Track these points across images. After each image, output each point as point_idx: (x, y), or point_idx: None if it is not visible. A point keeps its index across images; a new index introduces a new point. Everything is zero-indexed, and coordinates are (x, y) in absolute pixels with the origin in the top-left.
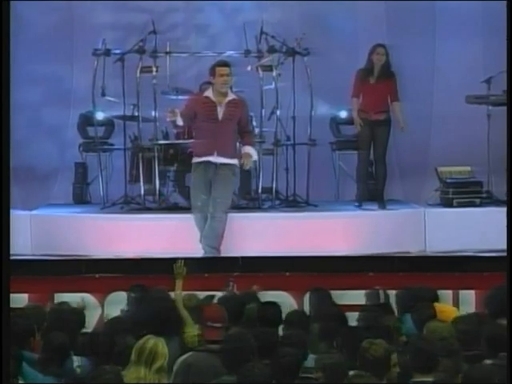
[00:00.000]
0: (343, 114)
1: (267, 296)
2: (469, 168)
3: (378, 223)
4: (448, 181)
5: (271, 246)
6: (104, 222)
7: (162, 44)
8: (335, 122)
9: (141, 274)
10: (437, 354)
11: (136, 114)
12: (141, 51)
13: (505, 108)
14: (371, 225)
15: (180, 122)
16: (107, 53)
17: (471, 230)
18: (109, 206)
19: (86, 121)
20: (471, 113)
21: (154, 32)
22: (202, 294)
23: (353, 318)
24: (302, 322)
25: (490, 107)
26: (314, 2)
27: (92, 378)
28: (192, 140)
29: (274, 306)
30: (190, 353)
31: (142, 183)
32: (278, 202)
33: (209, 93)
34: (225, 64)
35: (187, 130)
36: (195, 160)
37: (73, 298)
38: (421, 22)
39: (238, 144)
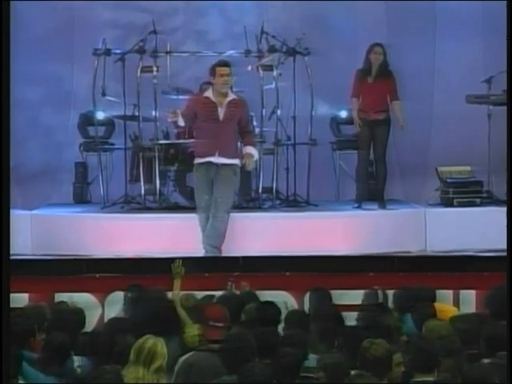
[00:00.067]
0: (343, 114)
1: (268, 296)
2: (469, 168)
3: (379, 223)
4: (448, 180)
5: (272, 246)
6: (104, 221)
7: (163, 44)
8: (336, 122)
9: (141, 273)
10: (437, 353)
11: (136, 113)
12: (141, 51)
13: (505, 108)
14: (372, 225)
15: (181, 123)
16: (108, 52)
17: (471, 230)
18: (109, 205)
19: (87, 120)
20: (471, 113)
21: (155, 32)
22: (202, 294)
23: (353, 318)
24: (302, 321)
25: (491, 107)
26: (315, 2)
27: (92, 377)
28: (192, 140)
29: (272, 305)
30: (191, 352)
31: (142, 183)
32: (278, 202)
33: (209, 93)
34: (225, 64)
35: (188, 129)
36: (197, 161)
37: (73, 298)
38: (421, 22)
39: (238, 144)
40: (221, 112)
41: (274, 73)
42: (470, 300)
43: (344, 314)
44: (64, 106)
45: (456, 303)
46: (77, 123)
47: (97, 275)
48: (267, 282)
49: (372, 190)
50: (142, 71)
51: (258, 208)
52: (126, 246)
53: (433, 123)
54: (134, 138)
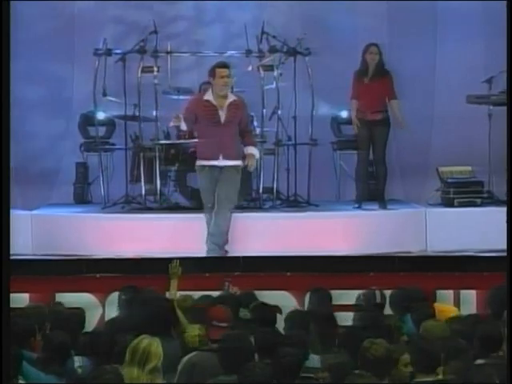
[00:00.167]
0: (344, 114)
1: (268, 296)
2: (470, 168)
3: (379, 223)
4: (449, 181)
5: (272, 246)
6: (105, 221)
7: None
8: (336, 122)
9: (142, 273)
10: (437, 353)
11: (137, 113)
12: (142, 51)
13: (505, 108)
14: (372, 225)
15: (184, 127)
16: (108, 52)
17: (472, 230)
18: (110, 205)
19: (87, 120)
20: (472, 113)
21: (155, 32)
22: (203, 294)
23: (354, 319)
24: (302, 321)
25: (491, 107)
26: (315, 2)
27: (92, 377)
28: (193, 140)
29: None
30: (194, 352)
31: (143, 183)
32: (279, 202)
33: (209, 95)
34: (225, 65)
35: (189, 131)
36: (200, 163)
37: (73, 298)
38: (422, 22)
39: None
40: (222, 115)
41: (275, 73)
42: (470, 300)
43: (345, 314)
44: (64, 106)
45: (456, 303)
46: (77, 123)
47: (97, 275)
48: (267, 282)
49: (372, 190)
50: (142, 71)
51: (259, 208)
52: (127, 246)
53: (433, 123)
54: (135, 138)
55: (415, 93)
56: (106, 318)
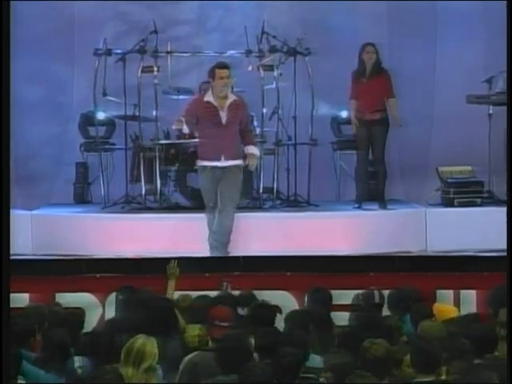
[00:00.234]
0: (344, 114)
1: (268, 296)
2: (470, 168)
3: (379, 223)
4: (449, 180)
5: (272, 246)
6: (105, 221)
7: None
8: (336, 122)
9: (141, 273)
10: (436, 353)
11: (137, 113)
12: (142, 51)
13: (505, 108)
14: (372, 225)
15: (186, 131)
16: (108, 52)
17: (472, 230)
18: (110, 205)
19: (87, 120)
20: (472, 113)
21: (155, 32)
22: (200, 294)
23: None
24: (302, 321)
25: (491, 107)
26: (315, 2)
27: (92, 377)
28: (193, 140)
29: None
30: (195, 352)
31: (143, 183)
32: (279, 202)
33: (209, 96)
34: (224, 66)
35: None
36: (201, 163)
37: (73, 298)
38: (422, 22)
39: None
40: (223, 116)
41: (275, 73)
42: (470, 300)
43: (345, 314)
44: (64, 106)
45: (456, 303)
46: (77, 123)
47: (97, 275)
48: (267, 282)
49: (372, 190)
50: (142, 71)
51: (259, 208)
52: (127, 246)
53: (433, 123)
54: (135, 138)
55: (415, 93)
56: (106, 318)
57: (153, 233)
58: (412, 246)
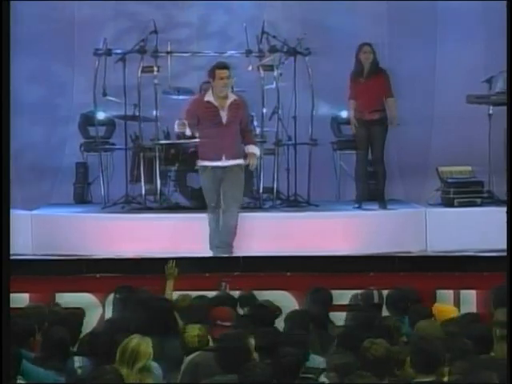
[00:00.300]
0: (344, 114)
1: (268, 296)
2: (470, 168)
3: (379, 223)
4: (449, 180)
5: (272, 246)
6: (105, 221)
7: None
8: (336, 122)
9: (141, 273)
10: (435, 353)
11: (137, 113)
12: (142, 51)
13: (505, 108)
14: (372, 225)
15: (189, 133)
16: (108, 52)
17: (472, 230)
18: (110, 205)
19: (87, 120)
20: (472, 113)
21: (155, 32)
22: (198, 295)
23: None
24: (302, 321)
25: (491, 107)
26: (315, 2)
27: (92, 377)
28: (194, 140)
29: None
30: (197, 352)
31: (143, 183)
32: (279, 202)
33: (209, 96)
34: (224, 66)
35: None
36: (202, 163)
37: (73, 298)
38: (422, 22)
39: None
40: (223, 115)
41: (275, 73)
42: (470, 300)
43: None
44: (64, 106)
45: (456, 303)
46: (77, 123)
47: (97, 275)
48: (268, 282)
49: (372, 190)
50: (142, 71)
51: (259, 208)
52: (127, 246)
53: (433, 123)
54: (135, 138)
55: (415, 93)
56: (105, 318)
57: (153, 233)
58: (412, 246)
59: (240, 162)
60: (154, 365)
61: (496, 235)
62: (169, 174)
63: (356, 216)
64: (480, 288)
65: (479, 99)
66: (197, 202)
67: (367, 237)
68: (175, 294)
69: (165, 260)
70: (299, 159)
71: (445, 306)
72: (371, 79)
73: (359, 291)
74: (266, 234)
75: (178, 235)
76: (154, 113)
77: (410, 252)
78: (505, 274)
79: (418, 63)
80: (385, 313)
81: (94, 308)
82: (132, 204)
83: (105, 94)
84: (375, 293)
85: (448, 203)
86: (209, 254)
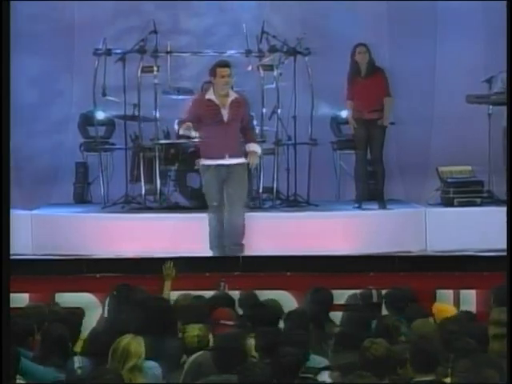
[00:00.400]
0: (344, 114)
1: (268, 296)
2: (469, 167)
3: (379, 223)
4: (449, 180)
5: (272, 246)
6: (105, 221)
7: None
8: (336, 122)
9: (141, 273)
10: (433, 353)
11: (137, 113)
12: (142, 51)
13: (505, 108)
14: (372, 224)
15: (193, 134)
16: (108, 52)
17: (472, 230)
18: (110, 205)
19: (87, 120)
20: (472, 113)
21: (155, 32)
22: (197, 294)
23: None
24: (302, 321)
25: (491, 107)
26: (315, 2)
27: (92, 378)
28: (194, 140)
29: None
30: (200, 352)
31: (142, 183)
32: (278, 202)
33: (210, 95)
34: (225, 65)
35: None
36: (205, 162)
37: (73, 298)
38: (422, 22)
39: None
40: (225, 114)
41: (275, 72)
42: (470, 300)
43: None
44: (64, 106)
45: (456, 303)
46: (77, 123)
47: (97, 275)
48: (267, 282)
49: (372, 190)
50: (142, 71)
51: (259, 208)
52: (127, 246)
53: (433, 123)
54: (135, 137)
55: (415, 92)
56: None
57: (153, 233)
58: (412, 246)
59: (243, 160)
60: (154, 364)
61: (496, 235)
62: (169, 174)
63: (356, 216)
64: (480, 288)
65: (479, 99)
66: (197, 202)
67: (367, 237)
68: (175, 294)
69: (165, 260)
70: (299, 159)
71: (444, 305)
72: (369, 79)
73: (358, 291)
74: (265, 234)
75: (178, 235)
76: (154, 113)
77: (409, 252)
78: (505, 274)
79: (418, 63)
80: (384, 312)
81: (93, 308)
82: (132, 204)
83: (104, 94)
84: (374, 292)
85: (448, 203)
86: (209, 253)
